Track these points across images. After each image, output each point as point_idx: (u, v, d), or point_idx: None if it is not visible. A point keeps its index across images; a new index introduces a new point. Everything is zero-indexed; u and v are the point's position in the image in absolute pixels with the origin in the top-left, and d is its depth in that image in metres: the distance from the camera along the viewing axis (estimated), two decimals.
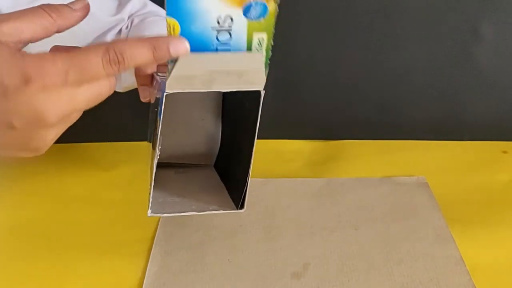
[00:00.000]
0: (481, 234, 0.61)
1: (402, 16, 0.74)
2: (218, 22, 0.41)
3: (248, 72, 0.43)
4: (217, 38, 0.42)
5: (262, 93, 0.46)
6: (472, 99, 0.80)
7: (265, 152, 0.79)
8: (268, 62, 0.44)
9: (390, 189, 0.70)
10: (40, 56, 0.35)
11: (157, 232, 0.62)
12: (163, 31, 0.60)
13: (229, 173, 0.58)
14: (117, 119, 0.80)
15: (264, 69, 0.44)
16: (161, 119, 0.47)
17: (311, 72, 0.80)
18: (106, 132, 0.81)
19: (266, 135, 0.82)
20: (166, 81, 0.42)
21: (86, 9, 0.41)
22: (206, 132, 0.61)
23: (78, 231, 0.63)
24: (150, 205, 0.51)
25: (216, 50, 0.42)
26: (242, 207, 0.53)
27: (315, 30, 0.76)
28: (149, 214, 0.51)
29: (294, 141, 0.82)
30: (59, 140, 0.41)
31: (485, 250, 0.59)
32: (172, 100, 0.45)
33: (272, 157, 0.78)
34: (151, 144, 0.56)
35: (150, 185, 0.51)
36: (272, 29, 0.43)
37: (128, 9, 0.62)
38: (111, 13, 0.62)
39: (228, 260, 0.58)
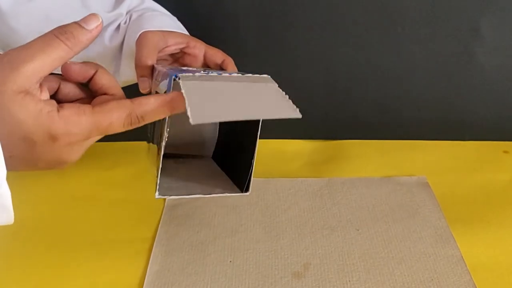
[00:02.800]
0: (482, 234, 0.61)
1: (402, 15, 0.74)
2: None
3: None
4: None
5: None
6: (473, 99, 0.80)
7: (266, 152, 0.79)
8: None
9: (391, 189, 0.70)
10: (65, 117, 0.38)
11: (158, 232, 0.62)
12: (161, 25, 0.61)
13: (230, 162, 0.58)
14: None
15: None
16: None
17: (311, 72, 0.80)
18: None
19: (266, 135, 0.82)
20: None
21: (100, 27, 0.41)
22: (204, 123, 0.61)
23: (79, 231, 0.63)
24: (157, 187, 0.51)
25: None
26: (247, 190, 0.52)
27: (315, 29, 0.76)
28: (156, 196, 0.51)
29: (294, 141, 0.82)
30: None
31: (486, 249, 0.59)
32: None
33: (273, 157, 0.78)
34: (149, 139, 0.57)
35: (158, 168, 0.51)
36: None
37: (126, 4, 0.62)
38: (109, 8, 0.62)
39: (229, 260, 0.58)
